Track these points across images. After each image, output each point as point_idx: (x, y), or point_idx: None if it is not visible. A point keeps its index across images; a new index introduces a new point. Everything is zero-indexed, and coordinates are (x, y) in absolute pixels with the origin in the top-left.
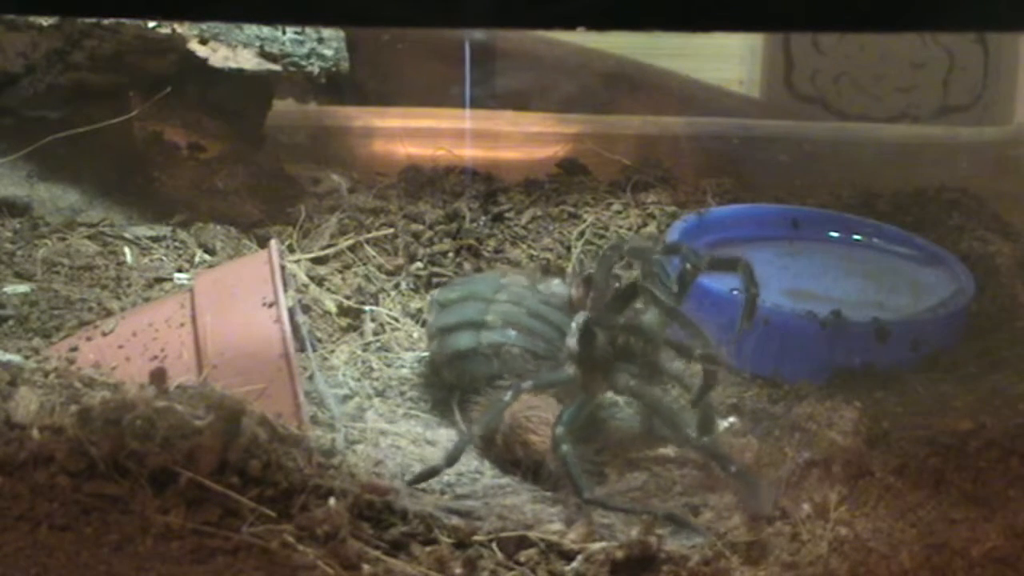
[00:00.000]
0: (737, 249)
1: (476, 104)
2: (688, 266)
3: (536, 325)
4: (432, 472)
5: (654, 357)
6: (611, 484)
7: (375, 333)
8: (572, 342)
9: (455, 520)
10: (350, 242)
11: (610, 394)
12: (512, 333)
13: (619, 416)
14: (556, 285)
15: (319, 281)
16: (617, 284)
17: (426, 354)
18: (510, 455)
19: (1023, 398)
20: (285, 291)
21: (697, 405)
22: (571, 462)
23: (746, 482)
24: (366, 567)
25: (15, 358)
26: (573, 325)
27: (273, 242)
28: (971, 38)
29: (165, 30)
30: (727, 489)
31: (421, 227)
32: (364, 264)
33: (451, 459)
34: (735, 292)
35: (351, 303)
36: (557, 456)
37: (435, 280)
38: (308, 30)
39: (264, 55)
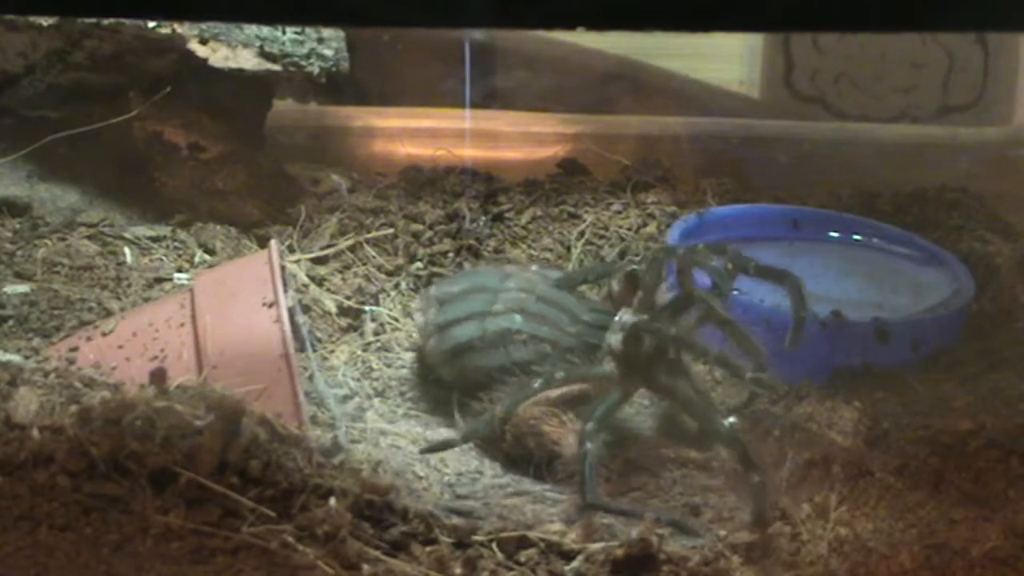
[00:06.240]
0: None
1: (476, 104)
2: (729, 266)
3: (545, 310)
4: (447, 444)
5: (687, 364)
6: (612, 484)
7: (375, 333)
8: (614, 340)
9: (455, 520)
10: (350, 242)
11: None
12: (518, 318)
13: (618, 416)
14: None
15: (319, 281)
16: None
17: None
18: (521, 448)
19: (1023, 398)
20: (285, 291)
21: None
22: (590, 462)
23: (761, 491)
24: (366, 567)
25: (15, 358)
26: (615, 322)
27: (273, 242)
28: (971, 38)
29: (165, 30)
30: (731, 490)
31: (421, 227)
32: (364, 264)
33: (468, 436)
34: (735, 292)
35: (351, 303)
36: (580, 451)
37: (435, 280)
38: (308, 30)
39: (264, 55)
